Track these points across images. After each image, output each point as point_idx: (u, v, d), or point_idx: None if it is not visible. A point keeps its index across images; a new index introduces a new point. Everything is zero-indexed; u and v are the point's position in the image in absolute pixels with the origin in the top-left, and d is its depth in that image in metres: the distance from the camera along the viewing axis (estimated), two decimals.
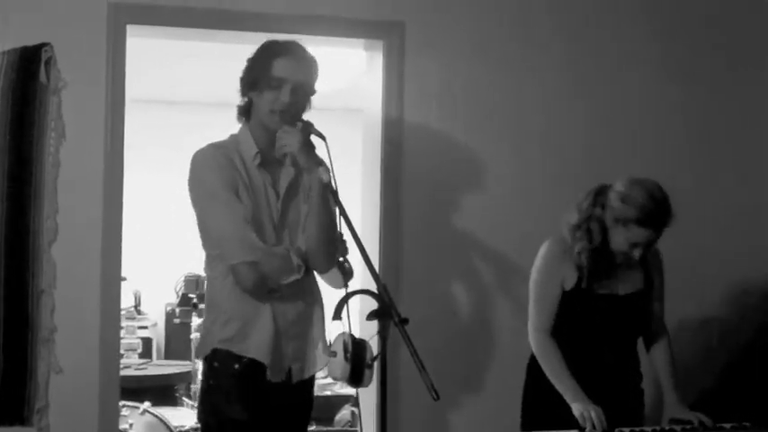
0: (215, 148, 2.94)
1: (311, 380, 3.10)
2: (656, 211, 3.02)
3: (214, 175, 2.87)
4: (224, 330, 2.91)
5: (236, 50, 3.28)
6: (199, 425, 3.12)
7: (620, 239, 3.09)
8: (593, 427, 2.91)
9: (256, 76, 2.91)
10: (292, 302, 2.95)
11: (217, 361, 2.92)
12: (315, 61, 2.97)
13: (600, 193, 3.16)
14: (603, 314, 3.19)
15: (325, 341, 3.04)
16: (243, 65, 3.00)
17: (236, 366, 2.89)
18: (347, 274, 3.01)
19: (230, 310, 2.92)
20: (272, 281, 2.87)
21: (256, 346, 2.89)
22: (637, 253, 3.08)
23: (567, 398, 3.04)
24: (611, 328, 3.21)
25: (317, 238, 2.92)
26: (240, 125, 3.02)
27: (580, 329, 3.19)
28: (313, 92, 2.97)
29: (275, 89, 2.88)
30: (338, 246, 2.98)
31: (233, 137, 3.01)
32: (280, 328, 2.92)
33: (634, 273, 3.23)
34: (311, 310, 3.02)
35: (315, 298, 3.05)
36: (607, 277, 3.17)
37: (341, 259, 3.02)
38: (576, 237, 3.15)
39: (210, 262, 2.98)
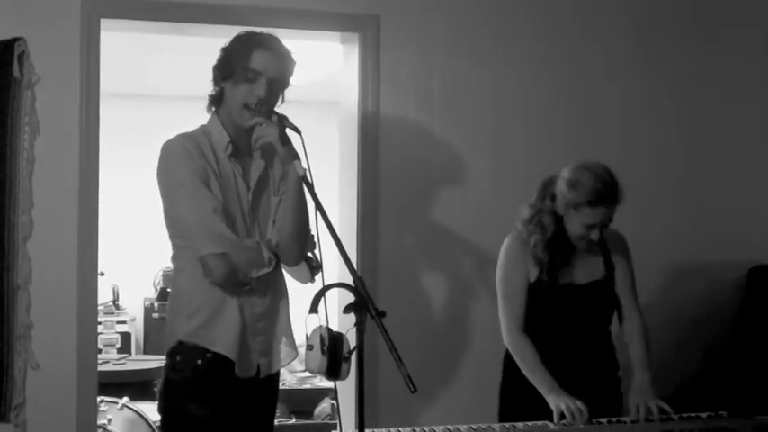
0: (185, 137, 2.91)
1: (276, 374, 3.08)
2: (604, 189, 3.05)
3: (183, 165, 2.83)
4: (189, 322, 2.87)
5: (211, 44, 3.26)
6: None
7: (574, 224, 3.12)
8: (573, 418, 2.92)
9: (233, 67, 2.88)
10: (260, 296, 2.93)
11: (180, 355, 2.88)
12: (291, 56, 2.95)
13: (548, 185, 3.20)
14: (566, 304, 3.20)
15: (290, 336, 3.04)
16: (217, 55, 2.98)
17: (199, 362, 2.85)
18: (315, 268, 3.00)
19: (196, 301, 2.87)
20: (243, 273, 2.84)
21: (222, 340, 2.86)
22: (594, 234, 3.10)
23: (542, 391, 3.05)
24: (576, 318, 3.23)
25: (291, 230, 2.91)
26: (209, 115, 2.99)
27: (546, 322, 3.21)
28: (287, 86, 2.96)
29: (251, 82, 2.85)
30: (309, 239, 2.98)
31: (203, 127, 2.97)
32: (246, 322, 2.90)
33: (594, 261, 3.25)
34: (278, 305, 3.01)
35: (281, 292, 3.03)
36: (566, 266, 3.19)
37: (309, 254, 3.02)
38: (529, 230, 3.19)
39: (177, 253, 2.94)
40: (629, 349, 3.29)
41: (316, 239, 2.97)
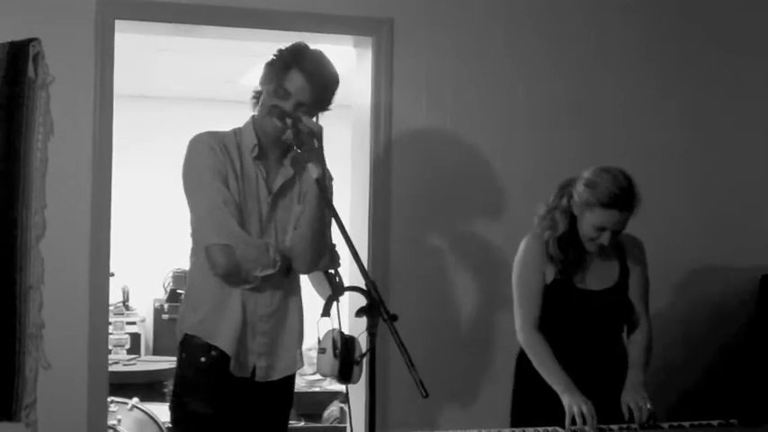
0: (211, 134, 2.95)
1: (289, 379, 3.09)
2: (620, 193, 3.05)
3: (202, 160, 2.87)
4: (194, 315, 2.93)
5: (225, 46, 3.27)
6: None
7: (586, 225, 3.12)
8: (584, 422, 2.92)
9: (272, 78, 2.91)
10: (267, 298, 2.94)
11: (185, 352, 2.94)
12: (333, 82, 2.95)
13: (567, 185, 3.21)
14: (580, 309, 3.21)
15: (298, 347, 3.04)
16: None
17: (203, 360, 2.89)
18: (337, 289, 2.97)
19: (202, 294, 2.93)
20: (245, 271, 2.84)
21: (223, 335, 2.88)
22: (604, 238, 3.10)
23: (558, 390, 3.04)
24: (591, 323, 3.23)
25: (304, 234, 2.90)
26: (254, 112, 3.01)
27: (561, 325, 3.21)
28: (322, 110, 2.97)
29: (281, 98, 2.88)
30: (328, 254, 2.97)
31: (235, 129, 3.01)
32: (248, 320, 2.92)
33: (609, 267, 3.25)
34: (287, 311, 3.01)
35: (294, 300, 3.03)
36: (581, 268, 3.19)
37: (332, 272, 3.01)
38: (542, 227, 3.21)
39: (194, 247, 2.98)
40: (628, 351, 3.30)
41: (338, 255, 2.98)
